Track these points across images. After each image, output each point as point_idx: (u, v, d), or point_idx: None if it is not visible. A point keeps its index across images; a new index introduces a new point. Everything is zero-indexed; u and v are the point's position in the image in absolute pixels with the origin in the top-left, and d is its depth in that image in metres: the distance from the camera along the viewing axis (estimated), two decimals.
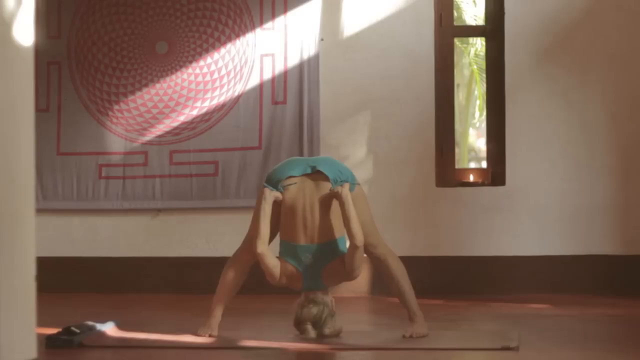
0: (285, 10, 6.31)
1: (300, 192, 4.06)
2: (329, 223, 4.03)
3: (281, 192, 4.06)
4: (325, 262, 4.02)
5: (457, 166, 6.37)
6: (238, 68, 6.35)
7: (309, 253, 4.02)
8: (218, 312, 4.18)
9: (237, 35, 6.36)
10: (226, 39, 6.37)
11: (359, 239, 3.92)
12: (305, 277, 4.03)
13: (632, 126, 6.05)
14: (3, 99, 3.09)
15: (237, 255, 4.20)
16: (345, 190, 3.98)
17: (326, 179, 4.06)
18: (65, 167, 6.50)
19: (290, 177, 4.09)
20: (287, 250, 4.06)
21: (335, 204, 4.03)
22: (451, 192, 6.16)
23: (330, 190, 4.03)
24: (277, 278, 4.05)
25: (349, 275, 4.03)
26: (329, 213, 4.04)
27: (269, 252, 4.02)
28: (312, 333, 3.98)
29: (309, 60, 6.27)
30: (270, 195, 4.05)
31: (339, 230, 4.04)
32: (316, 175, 4.09)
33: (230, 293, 4.20)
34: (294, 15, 6.30)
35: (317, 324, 3.98)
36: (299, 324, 4.01)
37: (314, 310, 3.97)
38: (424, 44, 6.19)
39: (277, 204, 4.07)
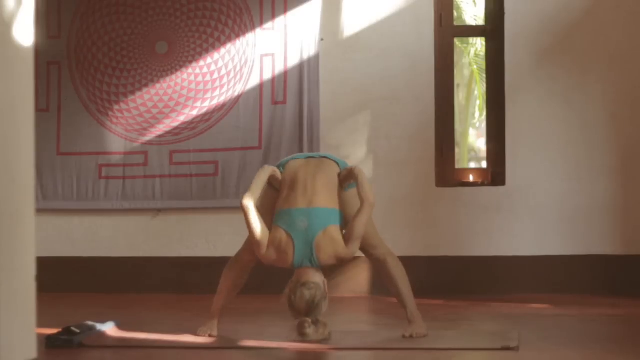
0: (285, 10, 6.31)
1: (303, 166, 4.10)
2: (329, 194, 3.99)
3: (281, 173, 4.08)
4: (319, 228, 3.89)
5: (457, 166, 6.36)
6: (238, 68, 6.35)
7: (304, 217, 3.90)
8: (218, 312, 4.18)
9: (237, 35, 6.36)
10: (226, 39, 6.37)
11: (373, 198, 3.93)
12: (298, 245, 3.89)
13: (632, 126, 6.05)
14: (3, 99, 3.09)
15: (239, 256, 4.19)
16: (358, 167, 4.04)
17: (331, 161, 4.12)
18: (65, 167, 6.50)
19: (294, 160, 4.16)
20: (282, 217, 3.95)
21: (340, 196, 4.03)
22: (451, 192, 6.16)
23: (341, 170, 4.07)
24: (263, 244, 3.90)
25: (344, 251, 3.90)
26: (330, 186, 4.02)
27: (254, 209, 3.92)
28: (310, 332, 3.85)
29: (309, 60, 6.27)
30: (269, 168, 4.07)
31: (337, 205, 4.01)
32: (320, 159, 4.16)
33: (231, 293, 4.20)
34: (294, 15, 6.30)
35: (311, 308, 3.83)
36: (298, 324, 3.88)
37: (306, 295, 3.83)
38: (424, 44, 6.19)
39: (274, 197, 4.05)
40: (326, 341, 3.88)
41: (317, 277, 3.90)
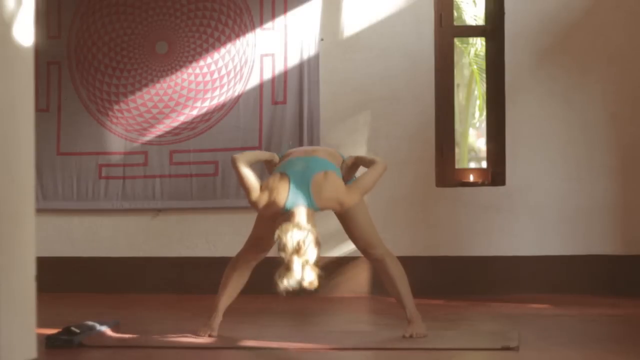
0: (285, 10, 6.31)
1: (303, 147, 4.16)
2: (330, 157, 4.00)
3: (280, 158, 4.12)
4: (319, 169, 3.82)
5: (457, 166, 6.37)
6: (238, 68, 6.35)
7: (302, 161, 3.88)
8: (219, 312, 4.18)
9: (237, 35, 6.36)
10: (226, 39, 6.37)
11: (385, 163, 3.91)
12: (294, 183, 3.77)
13: (632, 126, 6.05)
14: (3, 99, 3.09)
15: (240, 255, 4.19)
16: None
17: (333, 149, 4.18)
18: (65, 167, 6.50)
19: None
20: (280, 166, 3.93)
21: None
22: (451, 192, 6.16)
23: (345, 159, 4.05)
24: (254, 187, 3.79)
25: (346, 196, 3.80)
26: (332, 156, 4.02)
27: (245, 167, 3.84)
28: (296, 269, 3.58)
29: (309, 60, 6.27)
30: (268, 152, 4.10)
31: (339, 166, 4.01)
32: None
33: (232, 293, 4.19)
34: (294, 15, 6.30)
35: (301, 249, 3.61)
36: (285, 263, 3.62)
37: (297, 235, 3.61)
38: (424, 44, 6.19)
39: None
40: (314, 288, 3.63)
41: (311, 221, 3.73)
